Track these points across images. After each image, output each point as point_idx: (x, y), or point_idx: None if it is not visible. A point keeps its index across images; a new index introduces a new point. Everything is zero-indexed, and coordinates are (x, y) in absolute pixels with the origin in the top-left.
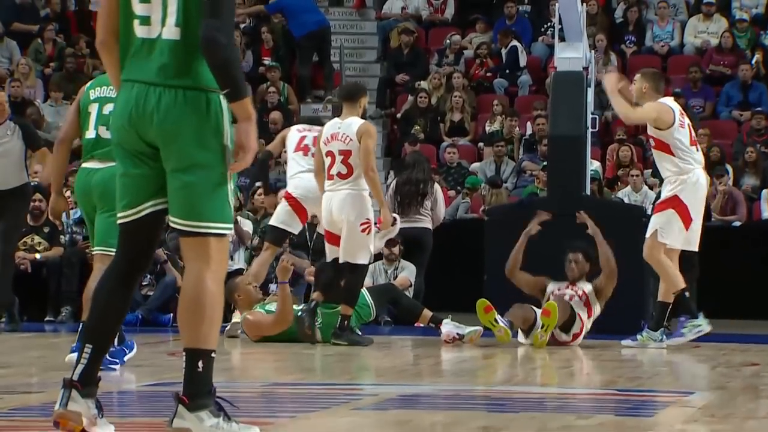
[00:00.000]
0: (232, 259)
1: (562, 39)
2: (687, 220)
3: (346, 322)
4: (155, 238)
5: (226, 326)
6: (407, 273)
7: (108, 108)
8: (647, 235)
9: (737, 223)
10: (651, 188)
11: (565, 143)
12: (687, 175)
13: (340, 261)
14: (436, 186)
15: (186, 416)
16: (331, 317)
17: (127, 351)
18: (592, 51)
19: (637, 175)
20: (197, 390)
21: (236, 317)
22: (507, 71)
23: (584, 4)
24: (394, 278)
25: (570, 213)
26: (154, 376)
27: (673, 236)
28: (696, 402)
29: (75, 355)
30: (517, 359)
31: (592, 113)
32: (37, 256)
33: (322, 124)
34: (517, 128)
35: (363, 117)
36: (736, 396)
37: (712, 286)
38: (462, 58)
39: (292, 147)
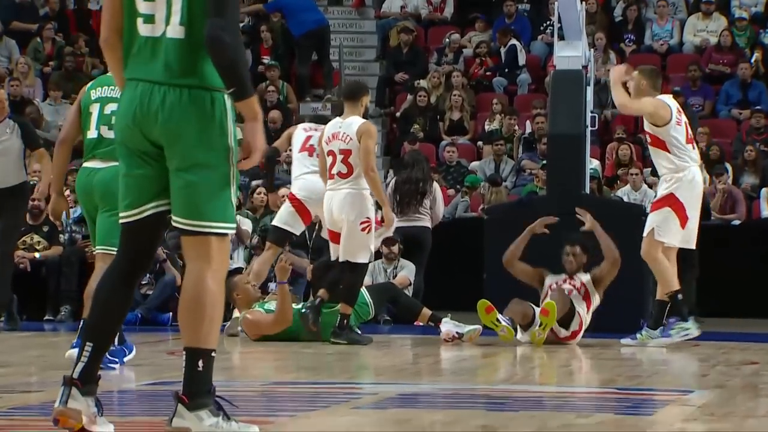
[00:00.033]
0: (231, 258)
1: (561, 37)
2: (683, 218)
3: (345, 321)
4: (157, 239)
5: (226, 324)
6: (406, 272)
7: (109, 108)
8: (644, 233)
9: (736, 222)
10: (650, 187)
11: (564, 142)
12: (683, 172)
13: (340, 260)
14: (435, 185)
15: (185, 415)
16: (330, 316)
17: (127, 352)
18: (592, 50)
19: (636, 174)
20: (197, 389)
21: (236, 314)
22: (506, 70)
23: (583, 2)
24: (394, 277)
25: (569, 212)
26: (153, 375)
27: (670, 234)
28: (695, 400)
29: (75, 351)
30: (517, 358)
31: (592, 112)
32: (37, 255)
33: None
34: (517, 127)
35: (365, 116)
36: (736, 394)
37: (712, 284)
38: (461, 56)
39: (298, 147)
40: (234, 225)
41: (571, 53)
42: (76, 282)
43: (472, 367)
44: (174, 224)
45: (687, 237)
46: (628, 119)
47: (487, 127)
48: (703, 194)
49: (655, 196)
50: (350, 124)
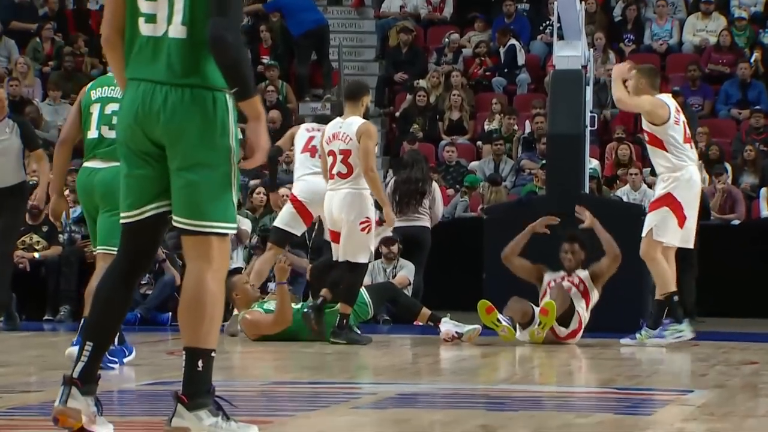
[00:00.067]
0: (230, 258)
1: (560, 37)
2: (681, 217)
3: (344, 321)
4: (158, 239)
5: (224, 324)
6: (406, 272)
7: (110, 108)
8: (643, 234)
9: (736, 222)
10: (650, 186)
11: (563, 142)
12: (680, 172)
13: (340, 259)
14: (434, 185)
15: (185, 415)
16: (330, 316)
17: (127, 353)
18: (591, 49)
19: (635, 174)
20: (196, 389)
21: (236, 312)
22: (506, 70)
23: (583, 2)
24: (393, 277)
25: (569, 212)
26: (152, 375)
27: (668, 234)
28: (695, 400)
29: (75, 349)
30: (517, 358)
31: (591, 111)
32: (36, 255)
33: None
34: (516, 127)
35: (366, 116)
36: (735, 394)
37: (711, 284)
38: (461, 56)
39: (300, 147)
40: (235, 225)
41: (571, 53)
42: (75, 282)
43: (472, 367)
44: (174, 224)
45: (685, 236)
46: (628, 119)
47: (486, 127)
48: (701, 194)
49: (654, 197)
50: (350, 124)
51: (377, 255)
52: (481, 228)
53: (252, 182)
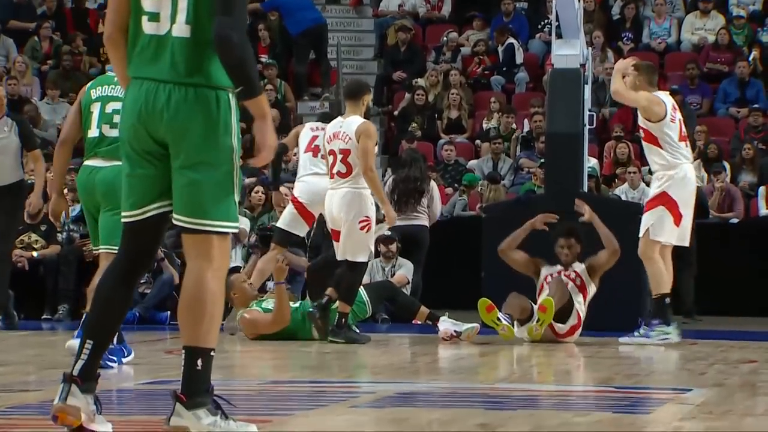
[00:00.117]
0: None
1: (559, 36)
2: (677, 215)
3: (343, 320)
4: (159, 239)
5: (223, 324)
6: (404, 270)
7: (111, 106)
8: (640, 234)
9: (734, 220)
10: (648, 185)
11: (562, 140)
12: (675, 170)
13: (339, 258)
14: (433, 183)
15: (184, 414)
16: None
17: (125, 352)
18: (590, 48)
19: (634, 172)
20: (195, 388)
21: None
22: (504, 68)
23: (581, 1)
24: (392, 276)
25: (567, 210)
26: (151, 374)
27: (665, 233)
28: (693, 399)
29: (76, 341)
30: (515, 357)
31: (590, 110)
32: (34, 254)
33: None
34: (515, 125)
35: (367, 115)
36: (734, 393)
37: (710, 283)
38: (459, 55)
39: (303, 146)
40: (237, 224)
41: (569, 51)
42: (73, 281)
43: (470, 366)
44: (175, 222)
45: (682, 235)
46: (627, 118)
47: (485, 126)
48: (697, 192)
49: (649, 196)
50: (350, 123)
51: (376, 254)
52: (480, 227)
53: (247, 180)
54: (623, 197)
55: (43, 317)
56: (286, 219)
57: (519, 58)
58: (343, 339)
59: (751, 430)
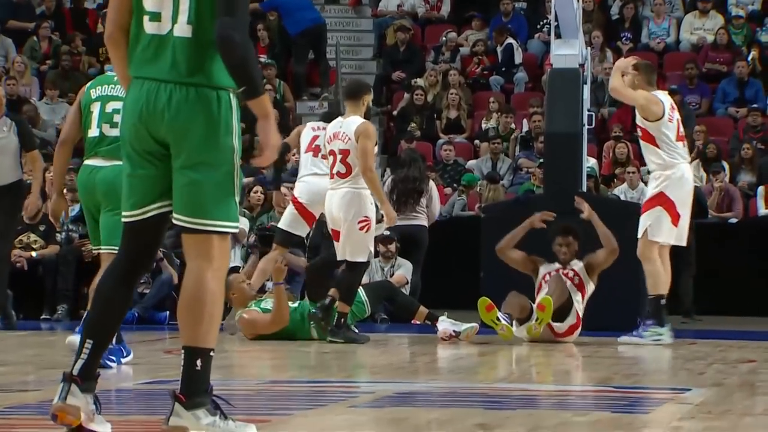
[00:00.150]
0: None
1: (558, 36)
2: (675, 215)
3: (342, 320)
4: (159, 239)
5: (222, 324)
6: (404, 270)
7: (111, 106)
8: (639, 234)
9: (733, 220)
10: (647, 185)
11: (561, 140)
12: (672, 170)
13: (339, 258)
14: (431, 183)
15: (183, 414)
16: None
17: (125, 353)
18: (588, 48)
19: (633, 172)
20: (195, 388)
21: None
22: (503, 68)
23: (580, 0)
24: (391, 276)
25: (566, 210)
26: (150, 373)
27: (663, 234)
28: (692, 399)
29: (76, 337)
30: (514, 356)
31: (589, 110)
32: (33, 254)
33: None
34: (513, 125)
35: (367, 115)
36: (733, 393)
37: (709, 282)
38: (458, 55)
39: (304, 146)
40: (237, 224)
41: (568, 51)
42: (72, 281)
43: (469, 366)
44: (175, 222)
45: (680, 234)
46: (626, 118)
47: (484, 126)
48: (695, 192)
49: (646, 196)
50: (350, 123)
51: (375, 254)
52: (479, 226)
53: (246, 180)
54: (622, 197)
55: (41, 317)
56: (287, 219)
57: (518, 58)
58: (342, 339)
59: (750, 430)
